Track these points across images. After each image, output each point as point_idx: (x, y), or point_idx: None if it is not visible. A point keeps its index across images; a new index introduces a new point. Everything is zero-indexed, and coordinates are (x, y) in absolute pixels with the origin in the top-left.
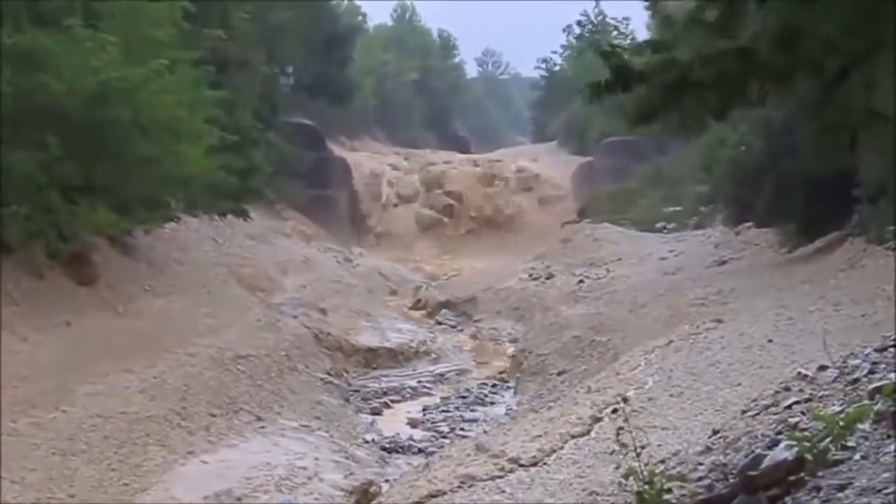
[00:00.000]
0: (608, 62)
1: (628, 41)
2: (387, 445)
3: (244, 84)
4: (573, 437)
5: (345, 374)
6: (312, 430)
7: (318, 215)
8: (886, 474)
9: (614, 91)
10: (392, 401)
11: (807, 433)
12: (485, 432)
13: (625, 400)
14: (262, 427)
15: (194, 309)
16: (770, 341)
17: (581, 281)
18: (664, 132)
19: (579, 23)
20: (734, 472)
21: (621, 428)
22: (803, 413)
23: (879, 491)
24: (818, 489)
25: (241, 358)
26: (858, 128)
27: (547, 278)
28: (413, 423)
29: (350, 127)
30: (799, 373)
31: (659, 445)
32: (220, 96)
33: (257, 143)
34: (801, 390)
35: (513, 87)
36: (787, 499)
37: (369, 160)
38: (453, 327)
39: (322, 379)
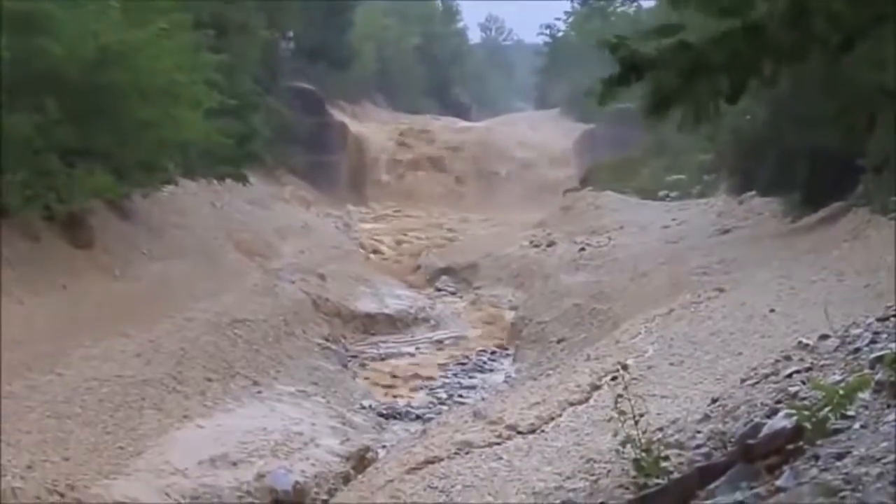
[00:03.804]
0: (616, 55)
1: (632, 10)
2: (384, 412)
3: (244, 48)
4: (571, 404)
5: (342, 340)
6: (309, 395)
7: (318, 181)
8: (885, 443)
9: (627, 83)
10: (389, 367)
11: (806, 402)
12: (483, 399)
13: (624, 367)
14: (259, 392)
15: (192, 273)
16: (772, 311)
17: (582, 249)
18: (679, 128)
19: None
20: (732, 440)
21: (620, 395)
22: (803, 382)
23: (878, 460)
24: (816, 458)
25: (239, 322)
26: (874, 108)
27: (548, 246)
28: (411, 390)
29: (350, 92)
30: (800, 342)
31: (658, 414)
32: (220, 60)
33: (257, 108)
34: (801, 359)
35: (516, 54)
36: (786, 467)
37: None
38: (453, 294)
39: (319, 344)
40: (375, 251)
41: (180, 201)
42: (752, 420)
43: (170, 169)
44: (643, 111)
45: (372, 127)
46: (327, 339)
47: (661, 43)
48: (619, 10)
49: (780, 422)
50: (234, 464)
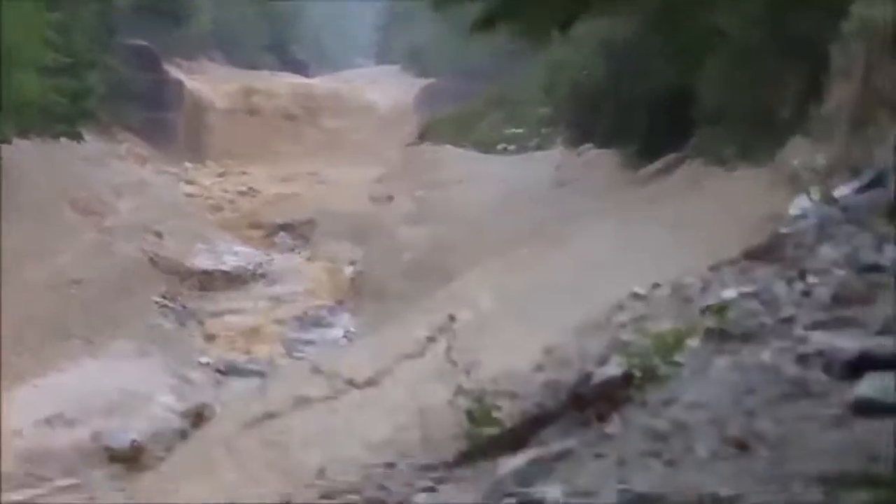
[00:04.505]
0: None
1: None
2: (222, 368)
3: (78, 5)
4: (407, 357)
5: (180, 298)
6: (146, 353)
7: (155, 138)
8: (713, 390)
9: None
10: (227, 323)
11: (637, 350)
12: (321, 354)
13: (452, 318)
14: (95, 351)
15: (26, 234)
16: (607, 261)
17: (421, 203)
18: (510, 38)
19: None
20: (565, 389)
21: (450, 347)
22: (635, 331)
23: (705, 405)
24: (645, 404)
25: (74, 283)
26: (705, 47)
27: (387, 200)
28: (249, 346)
29: (187, 49)
30: (633, 292)
31: (493, 364)
32: (55, 18)
33: (93, 65)
34: (634, 309)
35: (356, 10)
36: (615, 414)
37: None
38: (291, 250)
39: (157, 302)
40: (213, 208)
41: (14, 161)
42: (584, 369)
43: (2, 128)
44: (471, 26)
45: (208, 83)
46: (164, 297)
47: None
48: None
49: (611, 370)
50: (71, 423)
